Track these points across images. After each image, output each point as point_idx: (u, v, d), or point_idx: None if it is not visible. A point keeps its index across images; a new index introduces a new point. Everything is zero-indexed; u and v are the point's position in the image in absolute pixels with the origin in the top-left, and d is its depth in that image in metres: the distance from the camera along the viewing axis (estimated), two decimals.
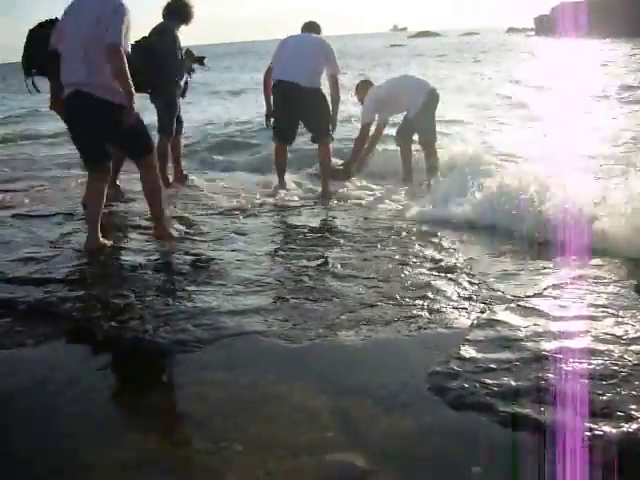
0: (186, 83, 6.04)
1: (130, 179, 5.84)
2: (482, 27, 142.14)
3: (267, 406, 2.43)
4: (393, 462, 2.08)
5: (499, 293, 3.37)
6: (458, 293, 3.39)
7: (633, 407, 2.24)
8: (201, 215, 5.24)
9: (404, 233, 4.54)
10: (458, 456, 2.10)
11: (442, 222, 4.80)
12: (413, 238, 4.43)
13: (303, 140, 6.57)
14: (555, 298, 3.29)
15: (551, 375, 2.48)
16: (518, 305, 3.19)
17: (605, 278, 3.53)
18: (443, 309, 3.19)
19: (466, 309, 3.19)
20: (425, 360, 2.68)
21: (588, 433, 2.12)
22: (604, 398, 2.31)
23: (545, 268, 3.75)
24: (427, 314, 3.14)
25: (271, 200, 5.75)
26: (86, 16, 3.89)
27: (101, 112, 3.95)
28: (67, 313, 3.25)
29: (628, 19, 38.77)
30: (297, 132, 6.15)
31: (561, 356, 2.62)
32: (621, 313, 3.04)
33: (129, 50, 3.97)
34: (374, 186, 6.43)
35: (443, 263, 3.86)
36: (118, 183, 5.75)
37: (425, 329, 2.99)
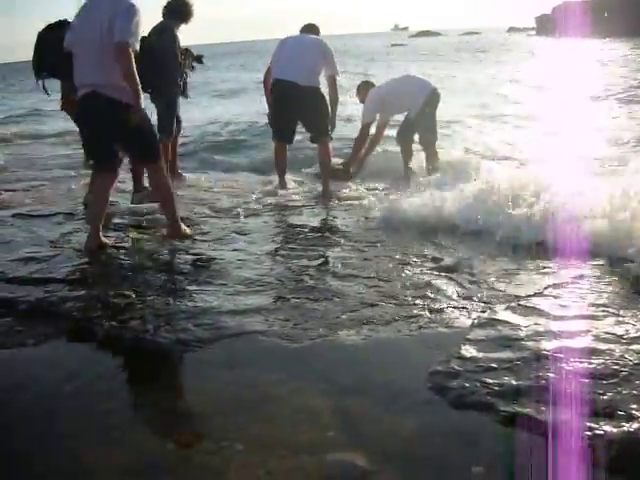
0: (185, 82, 6.04)
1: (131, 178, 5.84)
2: (483, 27, 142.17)
3: (268, 405, 2.43)
4: (394, 462, 2.08)
5: (500, 292, 3.37)
6: (458, 292, 3.39)
7: (634, 406, 2.24)
8: (202, 215, 5.24)
9: (404, 233, 4.54)
10: (459, 456, 2.10)
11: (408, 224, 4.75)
12: (413, 238, 4.42)
13: (303, 140, 6.56)
14: (556, 297, 3.28)
15: (552, 374, 2.48)
16: (519, 304, 3.19)
17: (606, 277, 3.52)
18: (444, 308, 3.19)
19: (467, 308, 3.18)
20: (426, 359, 2.68)
21: (589, 433, 2.12)
22: (605, 397, 2.31)
23: (545, 267, 3.75)
24: (428, 313, 3.14)
25: (272, 200, 5.74)
26: (99, 18, 3.92)
27: (112, 112, 3.97)
28: (68, 313, 3.26)
29: (629, 19, 38.78)
30: (296, 131, 6.14)
31: (562, 355, 2.62)
32: (622, 312, 3.03)
33: (137, 49, 3.98)
34: (374, 186, 6.42)
35: (443, 262, 3.85)
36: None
37: (426, 328, 2.99)
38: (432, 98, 6.47)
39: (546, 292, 3.36)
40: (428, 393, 2.45)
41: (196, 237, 4.53)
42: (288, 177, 6.30)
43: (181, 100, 6.11)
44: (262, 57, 28.23)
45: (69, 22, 4.98)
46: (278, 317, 3.16)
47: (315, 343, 2.89)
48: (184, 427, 2.38)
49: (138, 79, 3.89)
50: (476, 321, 3.02)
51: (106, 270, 3.91)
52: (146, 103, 5.44)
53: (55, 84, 5.14)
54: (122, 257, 4.15)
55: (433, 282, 3.54)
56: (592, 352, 2.64)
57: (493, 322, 2.99)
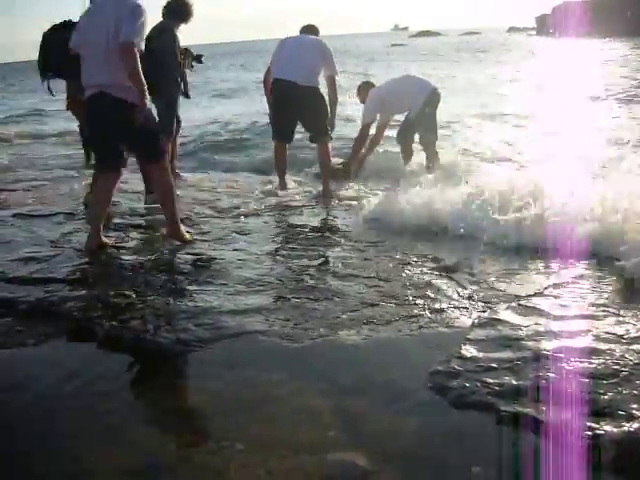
0: (186, 82, 6.04)
1: (132, 178, 5.85)
2: (483, 26, 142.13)
3: (268, 405, 2.43)
4: (394, 461, 2.08)
5: (500, 292, 3.37)
6: (459, 292, 3.39)
7: (634, 406, 2.24)
8: (202, 215, 5.24)
9: (404, 232, 4.53)
10: (459, 456, 2.10)
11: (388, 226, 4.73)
12: (413, 237, 4.42)
13: (303, 140, 6.55)
14: (556, 297, 3.29)
15: (552, 374, 2.48)
16: (519, 304, 3.19)
17: (606, 277, 3.52)
18: (444, 308, 3.19)
19: (467, 308, 3.19)
20: (426, 359, 2.68)
21: (589, 432, 2.12)
22: (605, 397, 2.31)
23: (546, 267, 3.75)
24: (428, 313, 3.14)
25: (272, 200, 5.75)
26: (105, 18, 3.95)
27: (119, 112, 4.01)
28: (68, 313, 3.26)
29: (629, 18, 38.77)
30: (295, 131, 6.15)
31: (562, 355, 2.62)
32: (622, 312, 3.04)
33: (143, 49, 4.02)
34: (374, 186, 6.42)
35: (444, 262, 3.86)
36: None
37: (426, 328, 2.99)
38: (432, 98, 6.48)
39: (546, 292, 3.36)
40: (428, 393, 2.45)
41: (196, 237, 4.53)
42: (288, 177, 6.31)
43: (181, 100, 6.11)
44: (262, 57, 28.26)
45: (74, 22, 5.00)
46: (278, 317, 3.16)
47: (315, 343, 2.89)
48: (184, 427, 2.39)
49: (143, 79, 3.92)
50: (476, 321, 3.02)
51: (106, 270, 3.91)
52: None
53: (59, 84, 5.15)
54: (122, 257, 4.15)
55: (433, 282, 3.55)
56: (592, 352, 2.64)
57: (493, 322, 3.00)
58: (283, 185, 6.16)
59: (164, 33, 5.76)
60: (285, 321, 3.11)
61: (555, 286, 3.43)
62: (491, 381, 2.46)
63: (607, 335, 2.79)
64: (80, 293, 3.49)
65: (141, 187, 5.90)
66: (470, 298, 3.31)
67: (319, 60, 5.85)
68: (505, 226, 4.21)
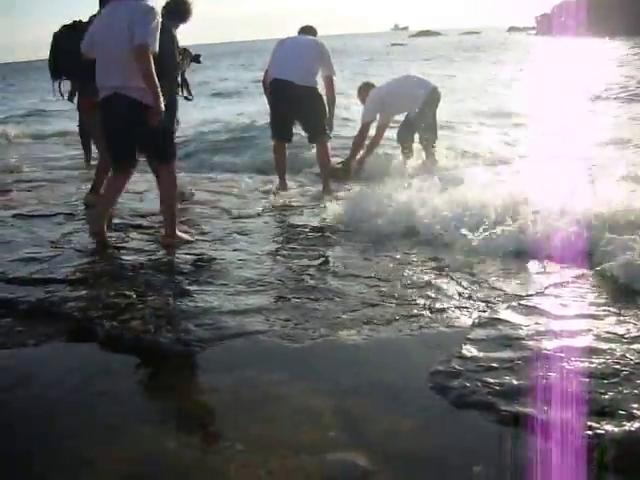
0: (187, 83, 6.03)
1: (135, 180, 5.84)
2: (483, 26, 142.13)
3: (269, 406, 2.43)
4: (395, 461, 2.08)
5: (500, 292, 3.37)
6: (459, 292, 3.39)
7: (635, 406, 2.24)
8: (202, 215, 5.24)
9: (404, 232, 4.53)
10: (460, 455, 2.10)
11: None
12: (414, 237, 4.42)
13: (303, 140, 6.55)
14: (556, 297, 3.29)
15: (553, 374, 2.48)
16: (519, 304, 3.19)
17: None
18: (444, 308, 3.19)
19: (467, 308, 3.18)
20: (427, 359, 2.68)
21: (590, 432, 2.12)
22: (606, 397, 2.31)
23: (546, 267, 3.75)
24: (428, 313, 3.14)
25: (272, 200, 5.74)
26: (118, 21, 4.00)
27: (133, 113, 4.06)
28: (68, 313, 3.25)
29: (628, 17, 38.76)
30: (293, 130, 6.15)
31: (563, 355, 2.62)
32: (623, 312, 3.04)
33: (157, 51, 4.06)
34: (374, 186, 6.41)
35: (444, 262, 3.85)
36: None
37: (427, 328, 2.99)
38: (432, 97, 6.48)
39: (547, 291, 3.36)
40: (429, 393, 2.45)
41: (197, 237, 4.53)
42: (288, 177, 6.31)
43: (181, 100, 6.10)
44: (261, 56, 28.27)
45: (84, 22, 5.03)
46: (279, 317, 3.16)
47: (316, 343, 2.89)
48: (184, 427, 2.38)
49: (157, 81, 3.97)
50: (477, 321, 3.02)
51: (106, 270, 3.90)
52: None
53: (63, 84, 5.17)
54: (123, 257, 4.15)
55: (434, 282, 3.54)
56: (593, 351, 2.64)
57: (494, 322, 3.00)
58: (283, 185, 6.16)
59: (163, 34, 5.74)
60: (285, 321, 3.11)
61: (555, 286, 3.43)
62: (492, 381, 2.46)
63: (608, 334, 2.79)
64: (80, 293, 3.49)
65: (142, 187, 5.91)
66: (470, 298, 3.31)
67: (317, 60, 5.88)
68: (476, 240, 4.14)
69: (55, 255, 4.13)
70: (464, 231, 4.16)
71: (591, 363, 2.55)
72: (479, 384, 2.45)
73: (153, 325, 3.08)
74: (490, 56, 31.51)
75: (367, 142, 6.76)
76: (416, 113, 6.42)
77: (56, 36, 5.28)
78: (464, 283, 3.51)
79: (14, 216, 5.22)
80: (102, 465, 2.11)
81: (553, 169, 5.96)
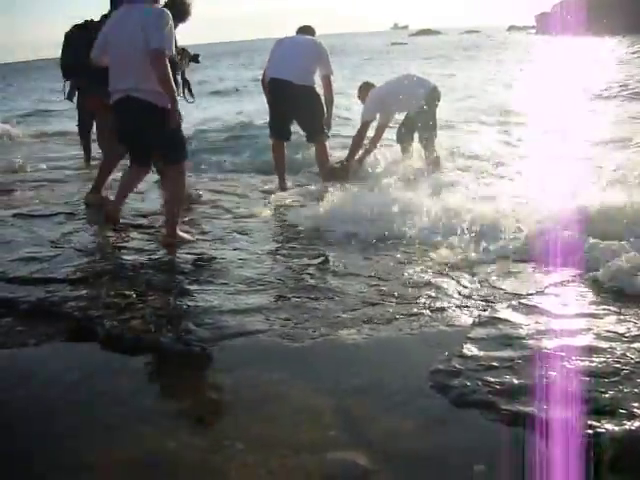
0: (189, 84, 6.03)
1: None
2: (483, 25, 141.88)
3: (269, 405, 2.43)
4: (395, 461, 2.08)
5: (501, 291, 3.37)
6: (459, 291, 3.39)
7: (635, 405, 2.24)
8: (203, 214, 5.24)
9: (404, 231, 4.53)
10: (460, 454, 2.10)
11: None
12: (414, 236, 4.42)
13: (303, 140, 6.55)
14: (557, 296, 3.29)
15: (553, 373, 2.48)
16: (520, 303, 3.19)
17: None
18: (445, 307, 3.19)
19: (468, 307, 3.18)
20: (427, 358, 2.68)
21: (590, 431, 2.12)
22: (606, 396, 2.31)
23: (546, 266, 3.74)
24: (429, 312, 3.14)
25: (272, 199, 5.74)
26: (132, 24, 4.04)
27: (148, 115, 4.12)
28: (68, 312, 3.25)
29: (628, 16, 38.74)
30: (291, 129, 6.16)
31: (563, 354, 2.62)
32: (623, 311, 3.04)
33: (173, 54, 4.13)
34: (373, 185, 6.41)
35: (444, 261, 3.85)
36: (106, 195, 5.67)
37: (427, 327, 2.99)
38: (432, 97, 6.47)
39: (547, 290, 3.36)
40: (429, 392, 2.45)
41: (197, 237, 4.53)
42: (287, 177, 6.30)
43: (182, 101, 6.10)
44: (261, 55, 28.23)
45: (96, 22, 5.04)
46: (279, 316, 3.16)
47: (316, 342, 2.89)
48: (185, 426, 2.38)
49: (174, 85, 4.05)
50: (477, 320, 3.02)
51: (107, 270, 3.90)
52: None
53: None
54: (123, 257, 4.16)
55: (434, 281, 3.54)
56: (593, 350, 2.64)
57: (494, 321, 3.00)
58: (283, 184, 6.17)
59: None
60: (286, 320, 3.11)
61: (556, 285, 3.43)
62: (492, 380, 2.46)
63: (608, 333, 2.79)
64: (81, 293, 3.49)
65: (142, 187, 5.90)
66: (471, 297, 3.31)
67: (315, 60, 5.90)
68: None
69: (55, 255, 4.13)
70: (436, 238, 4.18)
71: (591, 362, 2.55)
72: (479, 383, 2.45)
73: (153, 324, 3.08)
74: (490, 55, 31.47)
75: (366, 142, 6.75)
76: (416, 112, 6.41)
77: (67, 35, 5.31)
78: (464, 282, 3.51)
79: (14, 216, 5.22)
80: (102, 465, 2.11)
81: (552, 170, 5.97)
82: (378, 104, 6.55)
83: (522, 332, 2.85)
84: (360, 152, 6.72)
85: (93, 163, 7.75)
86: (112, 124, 4.50)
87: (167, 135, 4.17)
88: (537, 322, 2.95)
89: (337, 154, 6.90)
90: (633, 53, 24.12)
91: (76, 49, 4.96)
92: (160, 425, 2.38)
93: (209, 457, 2.13)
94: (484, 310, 3.13)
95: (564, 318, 3.00)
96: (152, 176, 5.56)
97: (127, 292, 3.47)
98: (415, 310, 3.17)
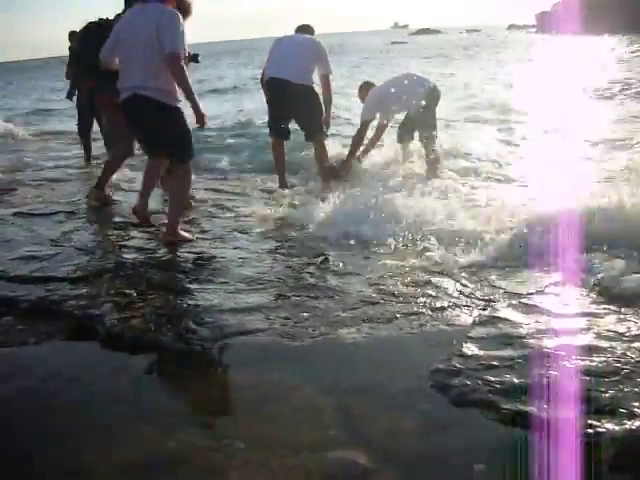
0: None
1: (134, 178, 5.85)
2: (483, 24, 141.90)
3: (269, 404, 2.43)
4: (395, 460, 2.08)
5: (501, 290, 3.37)
6: (460, 290, 3.39)
7: (636, 404, 2.24)
8: (203, 213, 5.24)
9: (404, 230, 4.53)
10: (460, 454, 2.10)
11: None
12: (414, 235, 4.41)
13: (302, 140, 6.54)
14: (557, 295, 3.29)
15: (553, 372, 2.48)
16: (520, 302, 3.19)
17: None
18: (445, 306, 3.19)
19: (468, 306, 3.18)
20: (427, 357, 2.68)
21: (590, 430, 2.12)
22: (606, 395, 2.31)
23: (547, 265, 3.74)
24: (429, 311, 3.14)
25: (272, 198, 5.74)
26: (146, 23, 4.07)
27: (156, 114, 4.17)
28: (69, 311, 3.25)
29: (627, 15, 38.74)
30: (290, 128, 6.15)
31: (563, 353, 2.62)
32: (623, 310, 3.03)
33: (191, 54, 4.14)
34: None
35: (444, 260, 3.85)
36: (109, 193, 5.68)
37: (427, 326, 2.99)
38: (432, 96, 6.46)
39: (547, 290, 3.36)
40: (429, 391, 2.45)
41: (197, 235, 4.53)
42: (288, 176, 6.30)
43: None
44: (261, 55, 28.21)
45: (109, 20, 5.04)
46: (279, 315, 3.16)
47: (316, 341, 2.89)
48: (185, 425, 2.38)
49: (191, 86, 4.12)
50: (477, 319, 3.02)
51: (107, 268, 3.90)
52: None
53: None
54: (123, 255, 4.15)
55: (434, 280, 3.54)
56: (593, 349, 2.64)
57: (494, 320, 3.00)
58: (283, 183, 6.16)
59: None
60: (286, 319, 3.11)
61: (556, 284, 3.43)
62: (492, 379, 2.46)
63: (608, 332, 2.79)
64: (81, 292, 3.49)
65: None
66: (471, 296, 3.31)
67: (313, 59, 5.90)
68: None
69: (55, 253, 4.13)
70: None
71: (591, 361, 2.55)
72: (480, 382, 2.45)
73: (154, 323, 3.08)
74: (490, 54, 31.46)
75: (366, 141, 6.75)
76: (416, 111, 6.41)
77: (81, 34, 5.34)
78: (464, 281, 3.51)
79: (14, 214, 5.22)
80: (102, 464, 2.11)
81: (552, 170, 5.97)
82: (378, 103, 6.55)
83: (522, 331, 2.85)
84: (360, 151, 6.72)
85: (94, 162, 7.76)
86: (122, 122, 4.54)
87: (174, 133, 4.21)
88: (537, 321, 2.94)
89: (336, 153, 6.89)
90: (633, 52, 24.11)
91: (89, 48, 4.97)
92: (160, 424, 2.39)
93: (209, 456, 2.13)
94: (484, 309, 3.13)
95: (564, 317, 3.00)
96: None
97: (127, 291, 3.47)
98: (415, 309, 3.17)
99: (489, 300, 3.24)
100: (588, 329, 2.84)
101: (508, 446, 2.10)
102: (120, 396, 2.55)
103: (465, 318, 3.05)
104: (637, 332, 2.79)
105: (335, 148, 6.95)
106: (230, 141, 9.42)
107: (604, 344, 2.68)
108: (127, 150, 5.28)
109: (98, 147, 7.95)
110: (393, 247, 4.14)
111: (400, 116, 6.86)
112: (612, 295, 3.20)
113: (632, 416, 2.18)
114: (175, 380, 2.78)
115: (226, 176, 7.11)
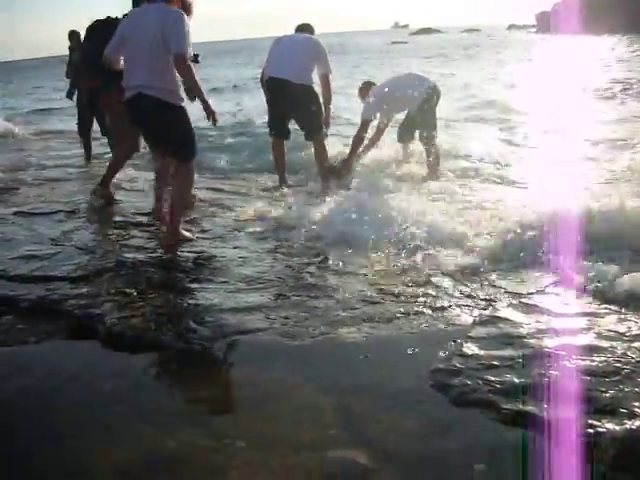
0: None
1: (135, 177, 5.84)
2: (483, 24, 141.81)
3: (269, 403, 2.43)
4: (395, 459, 2.08)
5: (501, 290, 3.37)
6: (460, 290, 3.39)
7: (636, 404, 2.24)
8: (203, 213, 5.24)
9: (405, 230, 4.53)
10: (460, 453, 2.10)
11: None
12: (413, 236, 4.41)
13: (302, 139, 6.54)
14: (557, 295, 3.29)
15: (554, 372, 2.48)
16: (520, 302, 3.19)
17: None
18: (445, 306, 3.19)
19: (468, 306, 3.18)
20: (427, 357, 2.68)
21: (591, 430, 2.12)
22: (607, 395, 2.31)
23: (547, 265, 3.74)
24: (429, 311, 3.14)
25: (272, 198, 5.74)
26: (152, 23, 4.09)
27: (160, 113, 4.17)
28: (69, 310, 3.25)
29: (627, 15, 38.75)
30: (289, 128, 6.16)
31: (563, 353, 2.62)
32: (624, 310, 3.03)
33: (192, 54, 4.20)
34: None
35: (444, 260, 3.85)
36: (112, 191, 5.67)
37: (427, 326, 2.99)
38: (433, 95, 6.46)
39: (547, 289, 3.36)
40: (430, 391, 2.45)
41: (197, 235, 4.53)
42: (287, 175, 6.30)
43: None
44: (261, 54, 28.24)
45: (116, 18, 5.05)
46: (279, 315, 3.16)
47: (316, 341, 2.89)
48: (185, 425, 2.38)
49: (201, 85, 4.16)
50: (478, 319, 3.02)
51: (107, 268, 3.90)
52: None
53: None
54: (124, 255, 4.15)
55: (434, 280, 3.54)
56: (594, 349, 2.64)
57: (495, 320, 2.99)
58: (283, 183, 6.16)
59: None
60: (285, 319, 3.11)
61: (556, 284, 3.42)
62: (492, 379, 2.46)
63: (608, 332, 2.79)
64: (81, 291, 3.49)
65: (143, 185, 5.91)
66: (471, 296, 3.31)
67: (313, 58, 5.89)
68: None
69: (56, 252, 4.13)
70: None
71: (592, 361, 2.55)
72: (480, 382, 2.45)
73: (154, 323, 3.08)
74: (490, 54, 31.46)
75: (366, 141, 6.74)
76: (416, 111, 6.41)
77: (87, 31, 5.35)
78: (465, 281, 3.51)
79: (15, 213, 5.21)
80: (102, 464, 2.11)
81: (552, 170, 5.97)
82: (378, 103, 6.54)
83: (523, 331, 2.85)
84: (360, 151, 6.72)
85: (94, 161, 7.76)
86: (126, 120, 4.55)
87: (178, 132, 4.22)
88: (538, 321, 2.94)
89: (337, 152, 6.89)
90: (633, 52, 24.12)
91: (95, 45, 4.98)
92: (160, 423, 2.39)
93: (210, 456, 2.13)
94: (485, 309, 3.13)
95: (565, 317, 3.00)
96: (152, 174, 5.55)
97: (128, 290, 3.47)
98: (415, 309, 3.17)
99: (489, 300, 3.24)
100: (588, 329, 2.84)
101: (508, 446, 2.10)
102: (120, 396, 2.55)
103: (465, 318, 3.05)
104: (637, 332, 2.79)
105: (335, 148, 6.95)
106: (230, 140, 9.40)
107: (604, 344, 2.68)
108: (133, 146, 5.28)
109: (98, 146, 7.96)
110: (393, 247, 4.14)
111: (400, 116, 6.86)
112: (612, 295, 3.20)
113: (632, 416, 2.18)
114: (175, 379, 2.78)
115: (226, 175, 7.11)
